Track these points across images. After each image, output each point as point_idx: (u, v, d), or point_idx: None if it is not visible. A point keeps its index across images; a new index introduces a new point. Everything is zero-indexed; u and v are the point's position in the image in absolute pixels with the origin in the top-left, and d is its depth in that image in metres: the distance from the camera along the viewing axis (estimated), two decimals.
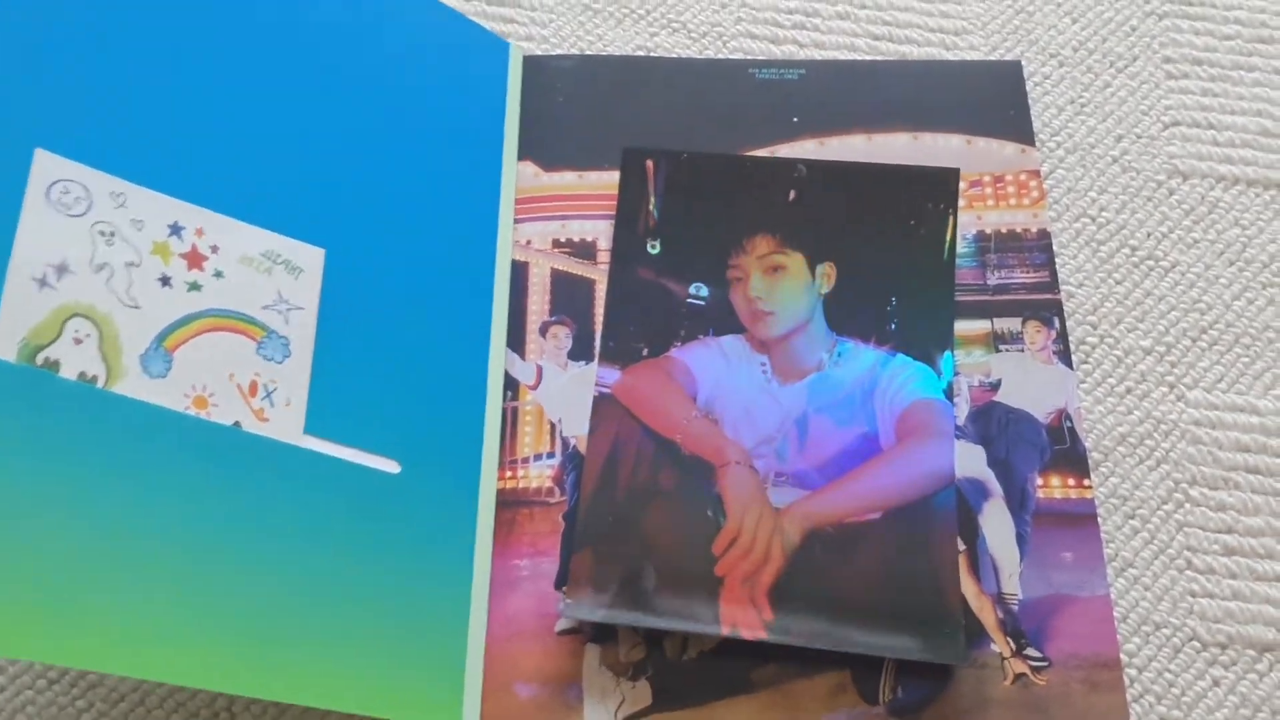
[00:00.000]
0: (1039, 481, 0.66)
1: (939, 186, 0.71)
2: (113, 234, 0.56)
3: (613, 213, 0.72)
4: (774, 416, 0.66)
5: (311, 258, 0.62)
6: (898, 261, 0.69)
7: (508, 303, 0.69)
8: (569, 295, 0.71)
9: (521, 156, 0.74)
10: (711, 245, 0.70)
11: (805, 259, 0.69)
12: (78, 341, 0.54)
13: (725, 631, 0.59)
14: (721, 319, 0.68)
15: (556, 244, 0.72)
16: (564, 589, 0.62)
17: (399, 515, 0.60)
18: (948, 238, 0.70)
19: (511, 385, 0.68)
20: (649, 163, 0.72)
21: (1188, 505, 0.67)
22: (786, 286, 0.69)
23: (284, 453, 0.58)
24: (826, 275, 0.69)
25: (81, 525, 0.51)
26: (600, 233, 0.72)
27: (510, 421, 0.67)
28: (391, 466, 0.61)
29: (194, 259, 0.58)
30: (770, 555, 0.61)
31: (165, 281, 0.57)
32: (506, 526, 0.64)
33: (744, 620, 0.60)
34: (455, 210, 0.69)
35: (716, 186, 0.72)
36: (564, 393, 0.68)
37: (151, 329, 0.56)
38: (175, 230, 0.58)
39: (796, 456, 0.64)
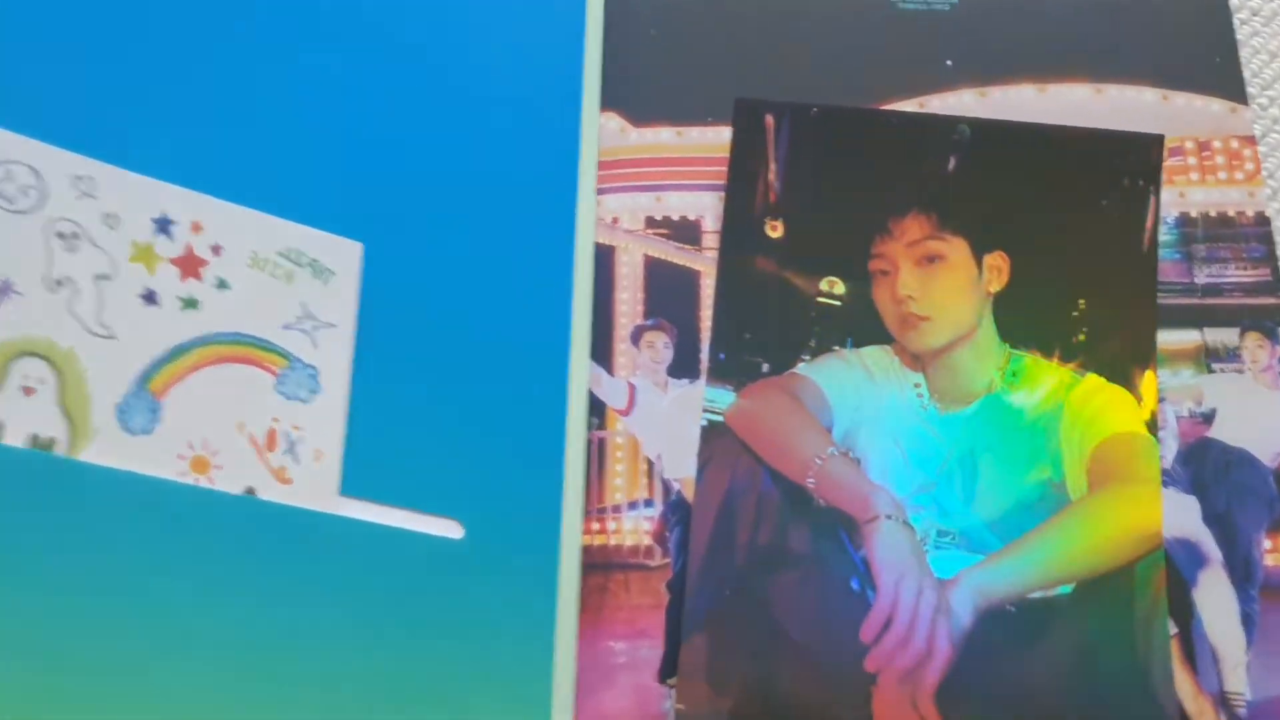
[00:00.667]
0: (1267, 544, 0.52)
1: (1138, 157, 0.56)
2: (76, 235, 0.41)
3: (722, 183, 0.57)
4: (934, 455, 0.52)
5: (346, 255, 0.47)
6: (1087, 253, 0.55)
7: (590, 301, 0.54)
8: (669, 291, 0.56)
9: (605, 107, 0.58)
10: (849, 228, 0.55)
11: (969, 246, 0.54)
12: (28, 391, 0.39)
13: None
14: (862, 324, 0.54)
15: (651, 223, 0.57)
16: (671, 684, 0.49)
17: (463, 591, 0.47)
18: (1149, 223, 0.55)
19: (597, 410, 0.53)
20: (768, 118, 0.57)
21: None
22: (946, 283, 0.54)
23: (315, 524, 0.44)
24: (997, 269, 0.54)
25: (41, 648, 0.37)
26: (706, 209, 0.57)
27: (596, 458, 0.53)
28: (453, 530, 0.47)
29: (189, 265, 0.44)
30: (935, 643, 0.48)
31: (150, 298, 0.43)
32: (596, 597, 0.50)
33: None
34: (522, 181, 0.54)
35: (855, 151, 0.57)
36: (665, 420, 0.54)
37: (131, 367, 0.42)
38: (163, 225, 0.43)
39: (964, 509, 0.51)
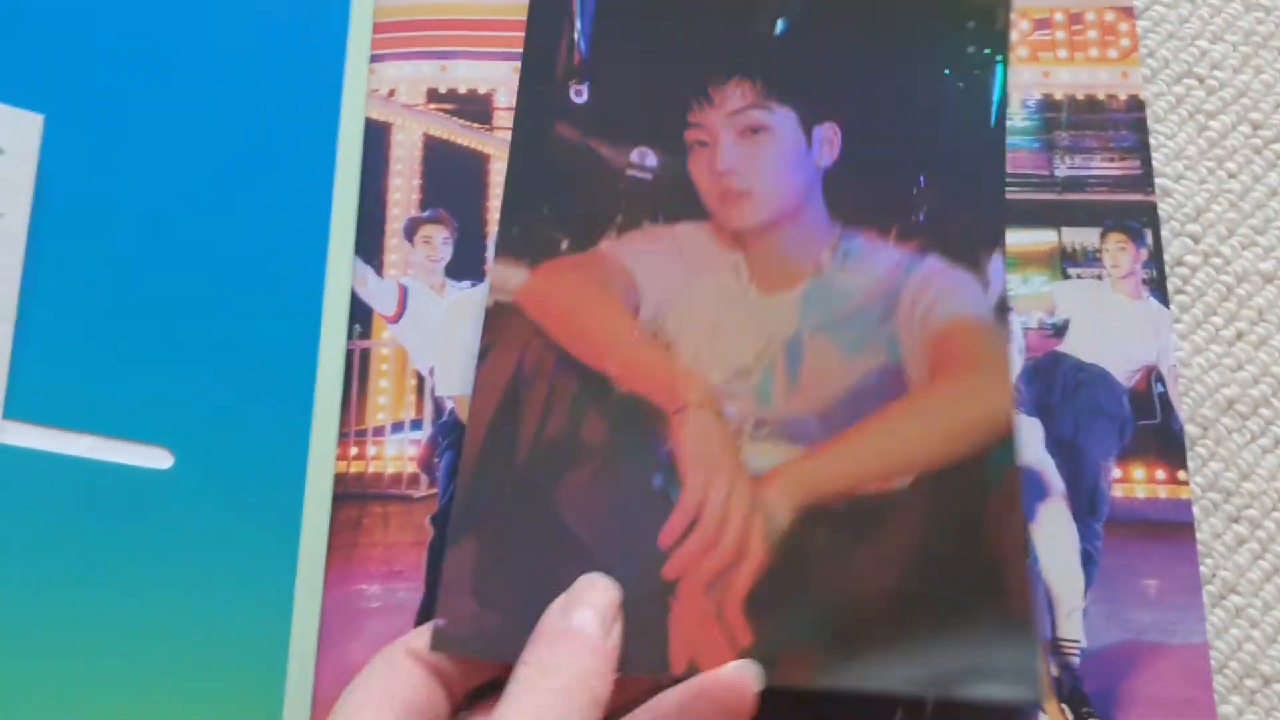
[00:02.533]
0: (1116, 473, 0.46)
1: (983, 21, 0.50)
2: None
3: (520, 50, 0.49)
4: (753, 339, 0.45)
5: (20, 129, 0.39)
6: (928, 125, 0.49)
7: (357, 187, 0.47)
8: (451, 178, 0.49)
9: None
10: (664, 94, 0.49)
11: (798, 117, 0.48)
12: None
13: (678, 670, 0.40)
14: (677, 199, 0.48)
15: (434, 97, 0.49)
16: (438, 603, 0.42)
17: (173, 534, 0.40)
18: (996, 94, 0.48)
19: (361, 316, 0.46)
20: None
21: None
22: (771, 155, 0.47)
23: None
24: (828, 141, 0.48)
25: None
26: (500, 82, 0.50)
27: (357, 372, 0.46)
28: (160, 458, 0.40)
29: None
30: (747, 546, 0.42)
31: None
32: (347, 533, 0.44)
33: (709, 648, 0.40)
34: (276, 39, 0.46)
35: (672, 7, 0.50)
36: (440, 328, 0.46)
37: None
38: None
39: (786, 397, 0.44)
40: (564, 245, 0.47)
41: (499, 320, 0.45)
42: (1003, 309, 0.46)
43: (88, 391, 0.39)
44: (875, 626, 0.41)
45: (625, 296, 0.46)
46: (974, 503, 0.43)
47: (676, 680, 0.39)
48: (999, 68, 0.50)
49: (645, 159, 0.48)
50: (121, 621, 0.39)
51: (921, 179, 0.48)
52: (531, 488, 0.43)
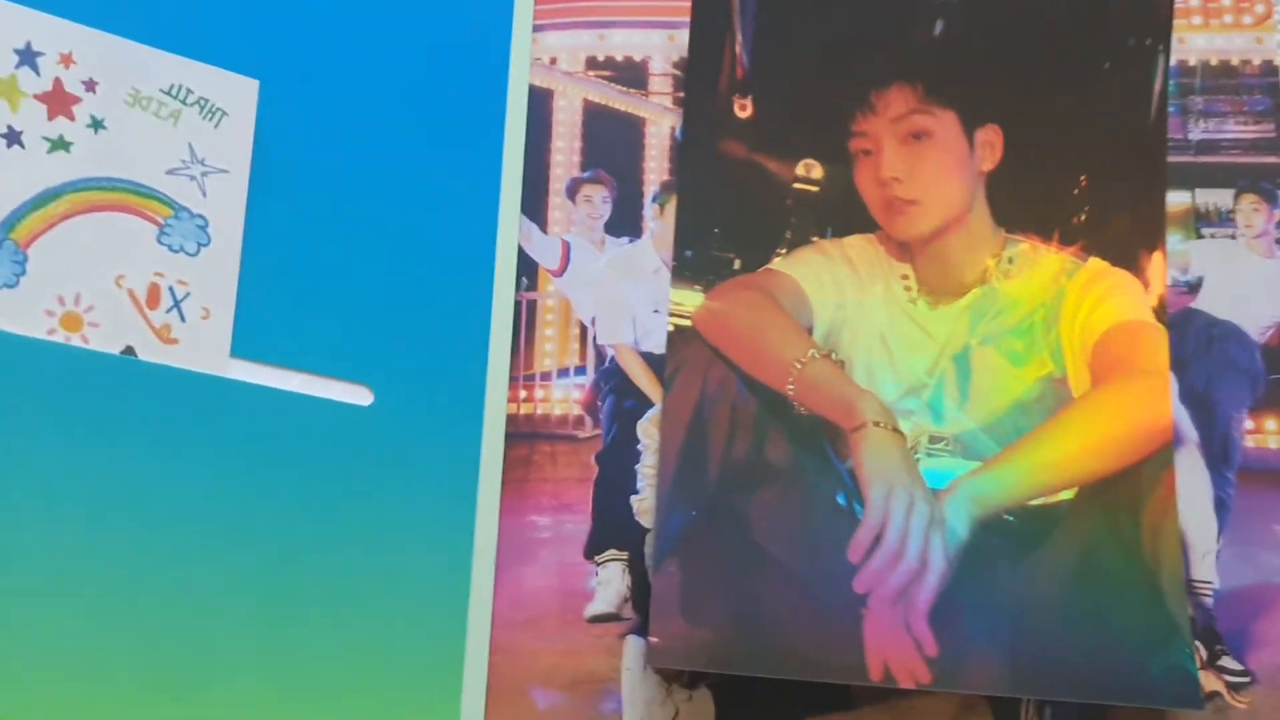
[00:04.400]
0: (1249, 424, 0.48)
1: (1145, 11, 0.50)
2: None
3: (672, 17, 0.52)
4: (924, 353, 0.47)
5: (239, 93, 0.43)
6: (1088, 123, 0.50)
7: (523, 150, 0.50)
8: (610, 140, 0.51)
9: None
10: (826, 104, 0.50)
11: (959, 120, 0.49)
12: None
13: (876, 678, 0.43)
14: (843, 211, 0.49)
15: (592, 64, 0.52)
16: (598, 561, 0.46)
17: (372, 463, 0.44)
18: (1157, 86, 0.50)
19: (528, 270, 0.49)
20: None
21: None
22: (935, 161, 0.49)
23: (203, 388, 0.40)
24: (990, 144, 0.49)
25: None
26: (655, 50, 0.52)
27: (525, 322, 0.49)
28: (361, 396, 0.44)
29: (59, 101, 0.40)
30: (929, 559, 0.44)
31: (12, 138, 0.38)
32: (519, 469, 0.47)
33: (899, 657, 0.43)
34: (450, 12, 0.49)
35: (831, 17, 0.51)
36: (600, 282, 0.50)
37: None
38: (27, 57, 0.39)
39: (958, 411, 0.47)
40: (736, 265, 0.48)
41: (680, 344, 0.47)
42: (1163, 309, 0.48)
43: (301, 335, 0.43)
44: (1048, 636, 0.43)
45: (799, 314, 0.48)
46: (1132, 513, 0.45)
47: (874, 686, 0.43)
48: (1160, 58, 0.50)
49: (811, 171, 0.50)
50: (322, 542, 0.42)
51: (1083, 179, 0.49)
52: (725, 508, 0.45)
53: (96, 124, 0.40)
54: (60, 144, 0.39)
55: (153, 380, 0.40)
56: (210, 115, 0.42)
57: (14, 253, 0.38)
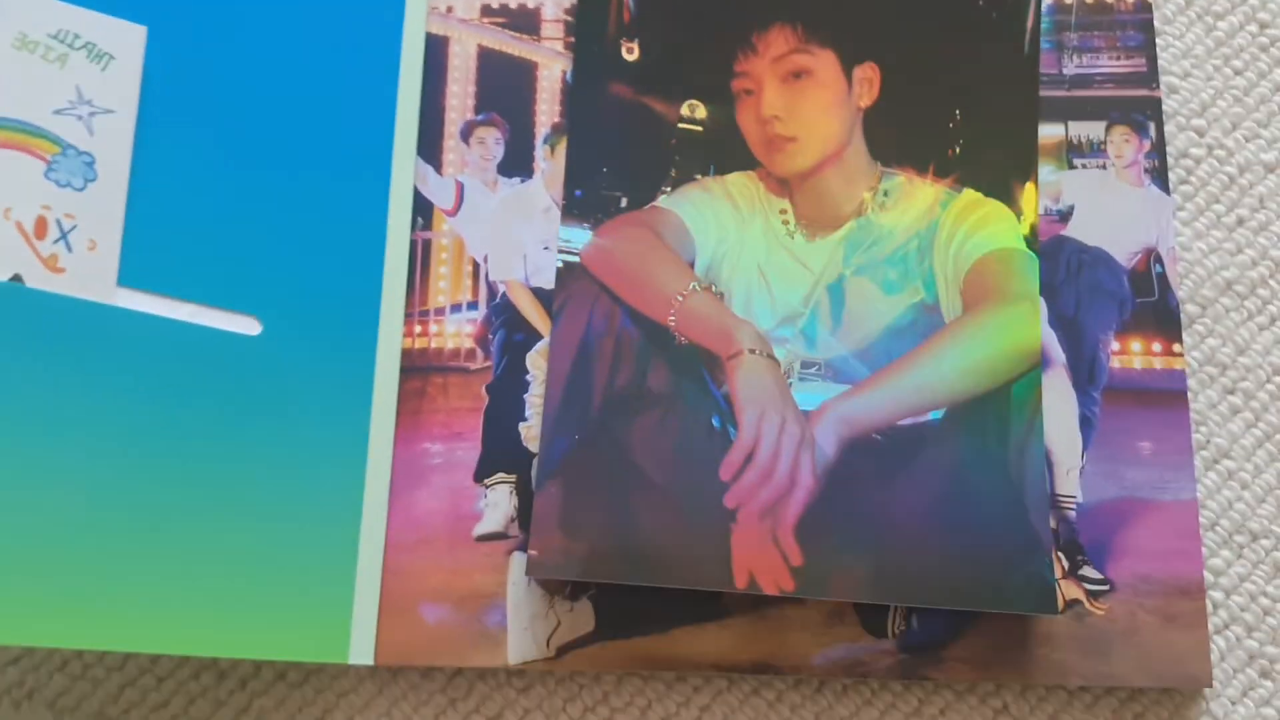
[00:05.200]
0: (1115, 346, 0.50)
1: None
2: None
3: None
4: (800, 284, 0.49)
5: (127, 39, 0.45)
6: (963, 59, 0.51)
7: (419, 94, 0.52)
8: (502, 84, 0.53)
9: None
10: (710, 45, 0.52)
11: (838, 59, 0.51)
12: None
13: (741, 585, 0.45)
14: (726, 150, 0.51)
15: (487, 12, 0.54)
16: (487, 484, 0.48)
17: (263, 392, 0.46)
18: (1029, 23, 0.51)
19: (423, 210, 0.51)
20: None
21: None
22: (814, 99, 0.51)
23: (89, 316, 0.42)
24: (867, 81, 0.51)
25: None
26: None
27: (420, 260, 0.51)
28: (249, 326, 0.46)
29: None
30: (798, 477, 0.46)
31: None
32: (413, 400, 0.49)
33: (765, 567, 0.45)
34: None
35: None
36: (493, 221, 0.52)
37: None
38: None
39: (830, 338, 0.48)
40: (623, 203, 0.50)
41: (569, 280, 0.49)
42: (1034, 237, 0.50)
43: (189, 266, 0.45)
44: (912, 548, 0.45)
45: (682, 249, 0.50)
46: (999, 432, 0.47)
47: (739, 593, 0.45)
48: None
49: (695, 111, 0.51)
50: (213, 470, 0.44)
51: (957, 113, 0.51)
52: (606, 434, 0.47)
53: None
54: None
55: (40, 307, 0.42)
56: (98, 59, 0.44)
57: None
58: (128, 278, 0.44)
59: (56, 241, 0.42)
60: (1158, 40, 0.54)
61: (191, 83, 0.46)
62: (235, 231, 0.46)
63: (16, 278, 0.42)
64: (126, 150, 0.44)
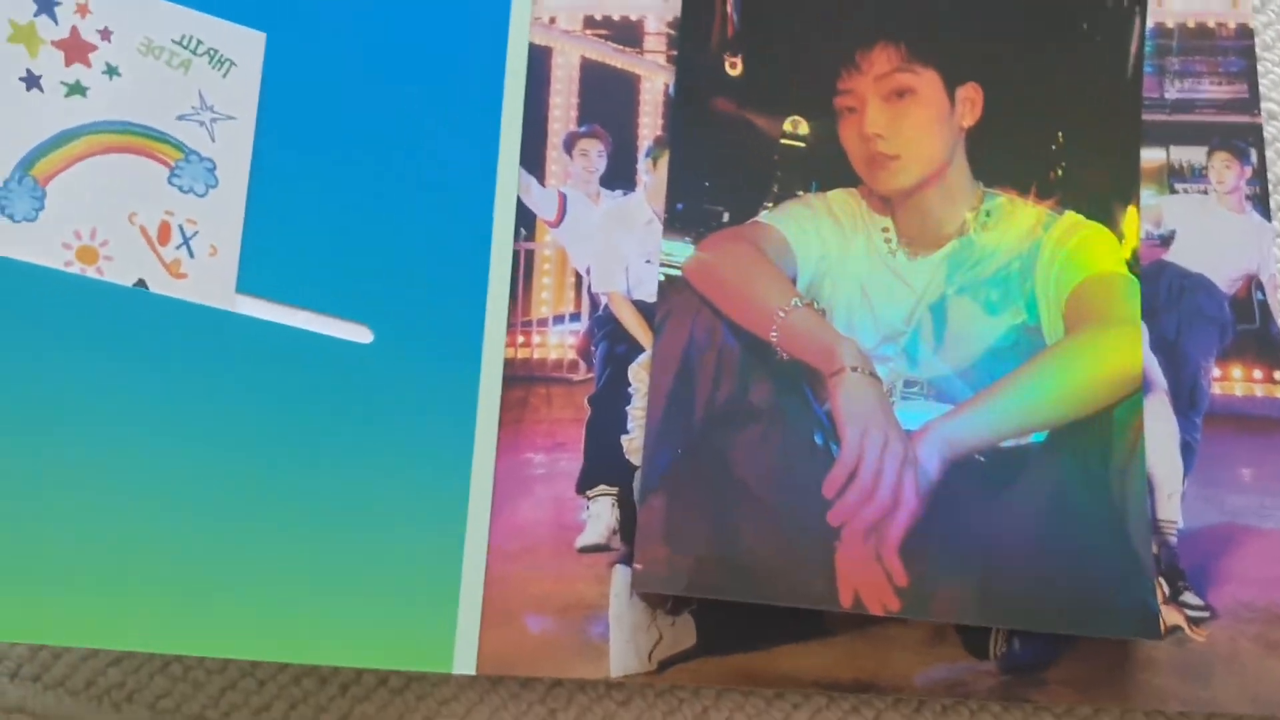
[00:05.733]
0: (1216, 372, 0.50)
1: None
2: None
3: None
4: (902, 303, 0.49)
5: (247, 45, 0.45)
6: (1066, 81, 0.52)
7: (522, 105, 0.52)
8: (605, 96, 0.53)
9: None
10: (813, 62, 0.52)
11: (941, 79, 0.51)
12: None
13: (846, 604, 0.45)
14: (828, 166, 0.51)
15: (590, 24, 0.54)
16: (590, 495, 0.48)
17: (373, 399, 0.46)
18: (1133, 47, 0.51)
19: (526, 221, 0.51)
20: None
21: None
22: (917, 118, 0.51)
23: (210, 321, 0.43)
24: (970, 101, 0.51)
25: None
26: (649, 9, 0.54)
27: (523, 270, 0.51)
28: (362, 334, 0.46)
29: (75, 49, 0.42)
30: (901, 496, 0.46)
31: (32, 82, 0.40)
32: (516, 410, 0.49)
33: (870, 586, 0.45)
34: None
35: None
36: (595, 233, 0.52)
37: (12, 152, 0.40)
38: (46, 6, 0.41)
39: (933, 358, 0.48)
40: (725, 218, 0.50)
41: (670, 293, 0.49)
42: (1136, 261, 0.50)
43: (305, 273, 0.45)
44: (1015, 570, 0.45)
45: (784, 265, 0.50)
46: (1101, 455, 0.47)
47: (845, 612, 0.45)
48: (1136, 19, 0.52)
49: (798, 128, 0.51)
50: (323, 477, 0.44)
51: (1060, 135, 0.51)
52: (708, 448, 0.47)
53: (111, 70, 0.42)
54: (77, 89, 0.41)
55: (163, 312, 0.42)
56: (219, 65, 0.44)
57: (33, 189, 0.40)
58: (246, 284, 0.44)
59: (179, 247, 0.42)
60: (1259, 66, 0.54)
61: (307, 91, 0.46)
62: (347, 240, 0.46)
63: (141, 283, 0.42)
64: (246, 157, 0.44)
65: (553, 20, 0.54)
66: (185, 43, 0.43)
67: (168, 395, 0.41)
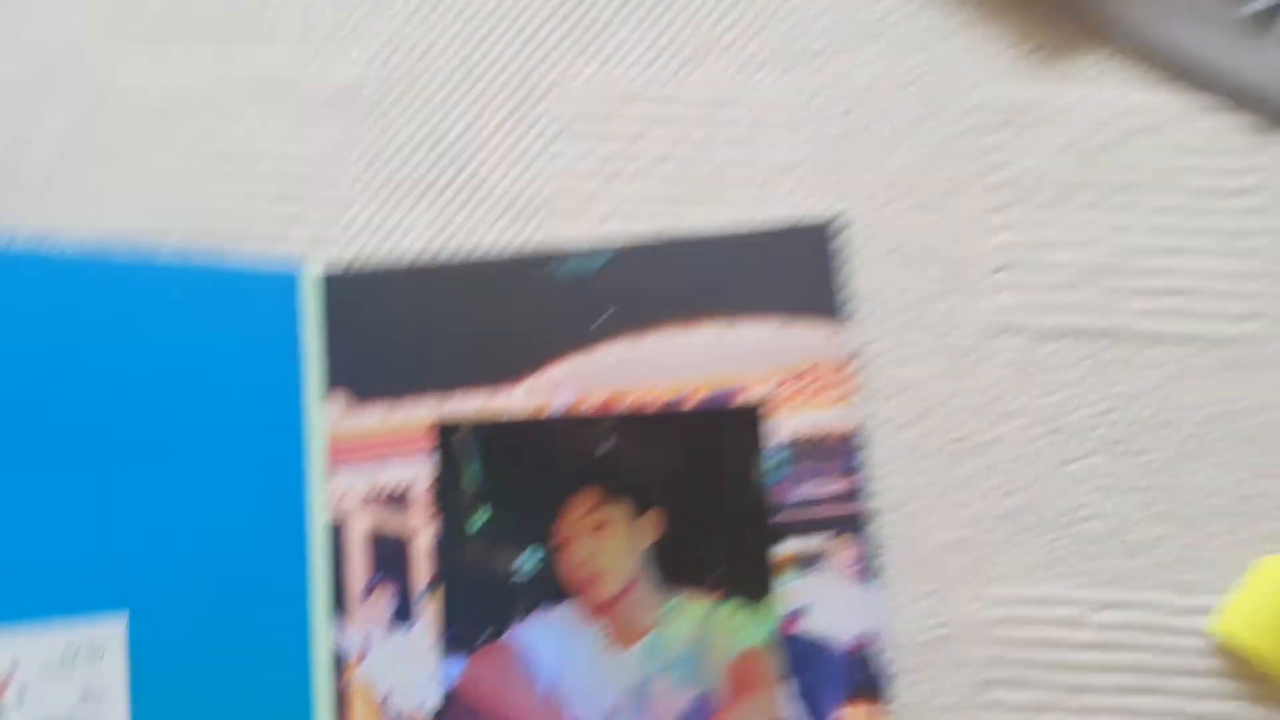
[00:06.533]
0: (841, 715, 0.69)
1: (740, 427, 0.71)
2: None
3: (430, 447, 0.72)
4: (616, 686, 0.69)
5: (112, 631, 0.64)
6: (716, 500, 0.70)
7: (329, 574, 0.71)
8: (388, 553, 0.72)
9: (333, 384, 0.73)
10: (536, 511, 0.71)
11: (629, 509, 0.70)
12: None
13: None
14: (556, 588, 0.71)
15: (370, 496, 0.72)
16: None
17: None
18: (755, 474, 0.70)
19: (339, 660, 0.71)
20: (457, 437, 0.72)
21: (988, 712, 0.71)
22: (612, 543, 0.70)
23: None
24: (651, 523, 0.70)
25: None
26: (415, 476, 0.72)
27: (341, 708, 0.71)
28: None
29: None
30: None
31: None
32: None
33: None
34: (258, 490, 0.70)
35: (535, 446, 0.72)
36: (393, 660, 0.71)
37: None
38: None
39: None
40: (486, 635, 0.70)
41: (450, 710, 0.69)
42: (777, 635, 0.69)
43: None
44: None
45: (527, 675, 0.69)
46: None
47: None
48: (755, 457, 0.70)
49: (523, 565, 0.70)
50: None
51: (716, 540, 0.70)
52: None
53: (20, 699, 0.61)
54: None
55: None
56: (94, 657, 0.63)
57: None
58: None
59: None
60: (870, 452, 0.71)
61: (160, 633, 0.65)
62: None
63: None
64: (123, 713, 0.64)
65: (343, 496, 0.72)
66: (69, 652, 0.63)
67: None
